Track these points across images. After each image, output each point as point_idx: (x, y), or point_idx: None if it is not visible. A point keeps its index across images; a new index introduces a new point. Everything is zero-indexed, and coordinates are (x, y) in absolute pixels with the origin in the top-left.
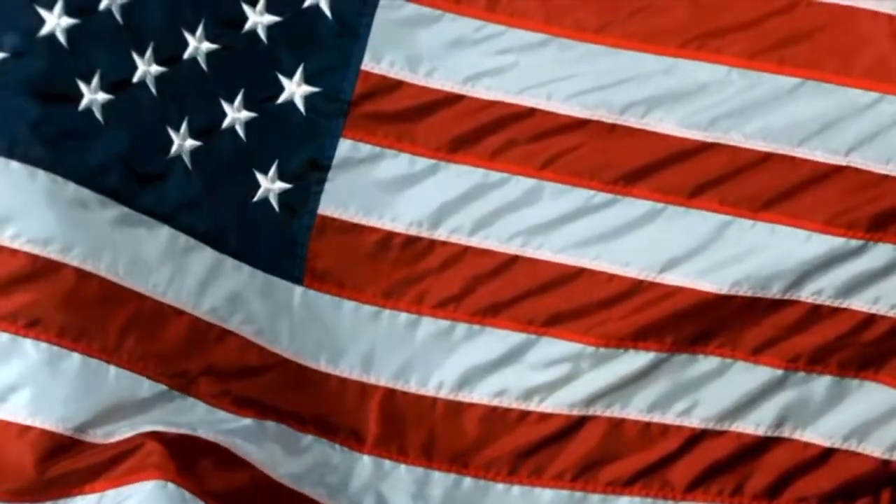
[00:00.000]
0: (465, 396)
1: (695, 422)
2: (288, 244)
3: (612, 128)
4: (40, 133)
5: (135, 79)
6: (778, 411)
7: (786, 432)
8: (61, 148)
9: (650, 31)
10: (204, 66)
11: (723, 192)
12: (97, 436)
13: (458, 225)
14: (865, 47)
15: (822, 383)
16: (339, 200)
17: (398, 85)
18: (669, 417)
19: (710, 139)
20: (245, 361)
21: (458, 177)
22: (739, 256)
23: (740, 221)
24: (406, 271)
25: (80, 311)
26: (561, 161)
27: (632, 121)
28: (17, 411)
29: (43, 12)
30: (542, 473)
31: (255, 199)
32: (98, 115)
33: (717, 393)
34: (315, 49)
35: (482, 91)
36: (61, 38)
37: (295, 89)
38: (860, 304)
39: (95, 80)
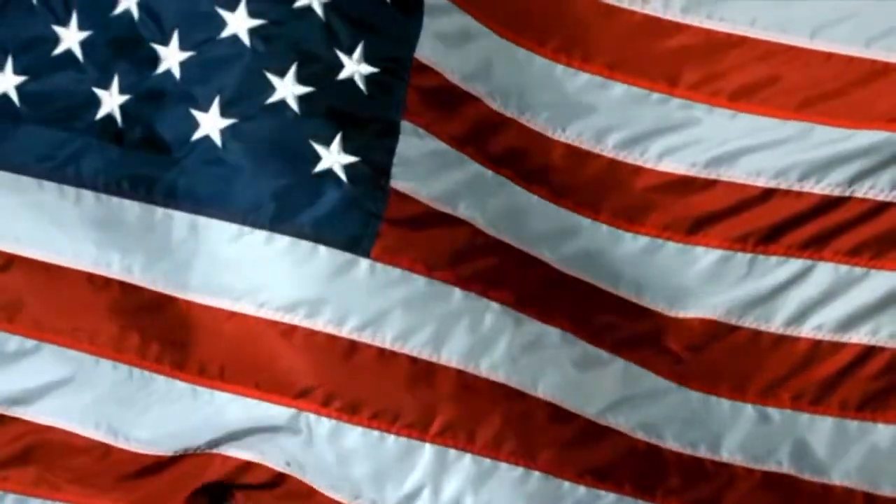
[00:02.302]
0: (532, 391)
1: (725, 457)
2: (358, 216)
3: (612, 163)
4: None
5: (158, 70)
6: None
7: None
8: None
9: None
10: (247, 42)
11: (723, 229)
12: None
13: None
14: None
15: (825, 426)
16: (411, 177)
17: (440, 78)
18: (701, 452)
19: (711, 176)
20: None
21: (498, 187)
22: (741, 289)
23: (740, 256)
24: (478, 254)
25: None
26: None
27: (629, 158)
28: None
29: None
30: (605, 481)
31: (316, 170)
32: (118, 117)
33: (734, 437)
34: (375, 29)
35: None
36: (78, 52)
37: (355, 68)
38: (859, 336)
39: (115, 86)
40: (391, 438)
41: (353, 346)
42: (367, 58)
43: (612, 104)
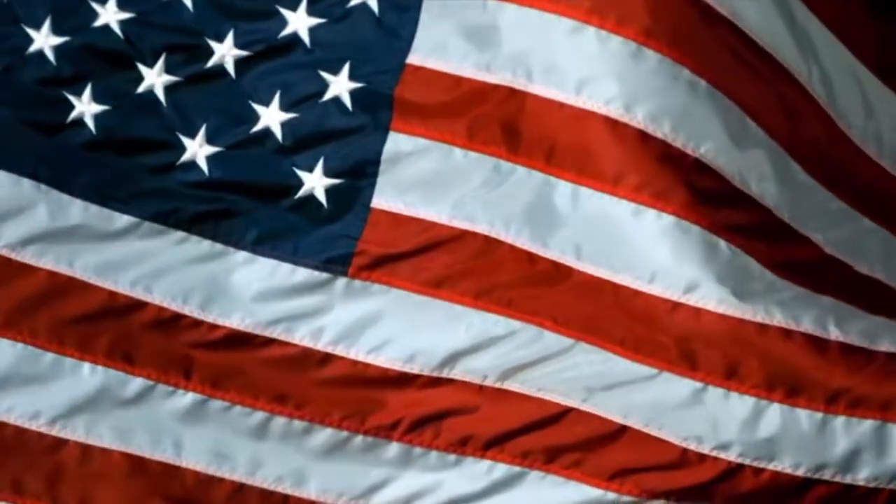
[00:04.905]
0: (509, 385)
1: (732, 456)
2: (338, 237)
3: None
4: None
5: (140, 89)
6: (816, 457)
7: (826, 475)
8: (49, 158)
9: None
10: (232, 73)
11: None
12: None
13: (503, 222)
14: None
15: (864, 428)
16: (391, 193)
17: (441, 76)
18: (706, 448)
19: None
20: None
21: (494, 170)
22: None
23: None
24: (456, 264)
25: None
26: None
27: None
28: None
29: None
30: (578, 467)
31: (298, 196)
32: (91, 125)
33: (753, 433)
34: (361, 45)
35: (513, 80)
36: (50, 54)
37: (341, 86)
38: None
39: (87, 93)
40: None
41: None
42: (354, 74)
43: None
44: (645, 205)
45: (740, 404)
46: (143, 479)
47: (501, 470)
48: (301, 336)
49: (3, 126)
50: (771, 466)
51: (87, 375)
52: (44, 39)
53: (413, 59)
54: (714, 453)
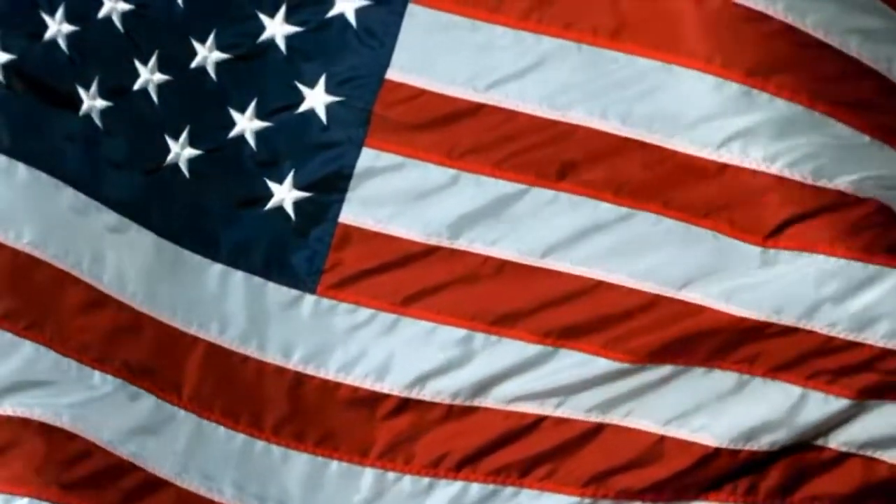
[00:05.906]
0: (479, 402)
1: (709, 439)
2: (305, 253)
3: (628, 142)
4: (41, 135)
5: (136, 86)
6: (796, 432)
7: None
8: (61, 151)
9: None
10: (213, 75)
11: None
12: None
13: (478, 235)
14: None
15: (839, 404)
16: (360, 210)
17: (421, 94)
18: (685, 433)
19: (723, 159)
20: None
21: (476, 187)
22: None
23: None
24: (425, 280)
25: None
26: (575, 172)
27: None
28: None
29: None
30: (552, 478)
31: (268, 207)
32: (97, 121)
33: (733, 411)
34: (339, 59)
35: (503, 99)
36: (62, 43)
37: (317, 99)
38: (875, 338)
39: (94, 87)
40: None
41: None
42: (330, 88)
43: None
44: (635, 208)
45: (723, 378)
46: (155, 489)
47: (474, 490)
48: (273, 354)
49: (21, 118)
50: (748, 447)
51: (99, 384)
52: (57, 27)
53: (392, 74)
54: (693, 437)
